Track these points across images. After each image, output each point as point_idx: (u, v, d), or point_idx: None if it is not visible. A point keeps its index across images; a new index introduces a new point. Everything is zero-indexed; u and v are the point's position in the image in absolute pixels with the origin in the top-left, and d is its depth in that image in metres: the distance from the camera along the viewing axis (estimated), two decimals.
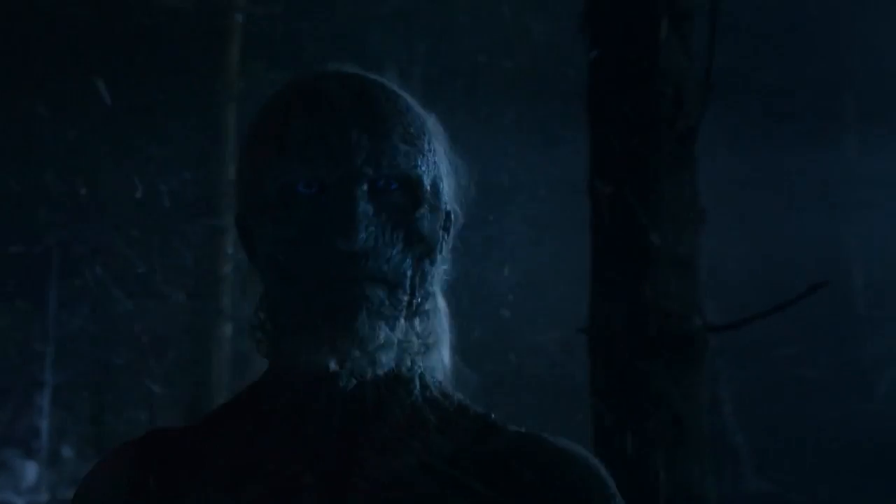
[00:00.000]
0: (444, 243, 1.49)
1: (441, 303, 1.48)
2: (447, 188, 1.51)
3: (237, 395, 1.54)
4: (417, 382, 1.46)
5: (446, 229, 1.51)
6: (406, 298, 1.42)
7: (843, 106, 13.75)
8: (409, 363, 1.44)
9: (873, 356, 12.93)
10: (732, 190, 11.70)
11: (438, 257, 1.47)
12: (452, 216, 1.52)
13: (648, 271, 3.14)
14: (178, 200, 11.04)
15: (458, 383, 1.48)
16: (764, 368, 11.51)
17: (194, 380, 10.39)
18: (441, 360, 1.47)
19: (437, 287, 1.47)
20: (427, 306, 1.44)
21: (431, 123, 1.50)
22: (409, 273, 1.43)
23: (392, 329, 1.40)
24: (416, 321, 1.43)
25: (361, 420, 1.44)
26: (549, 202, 10.03)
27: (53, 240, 11.71)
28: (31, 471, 12.77)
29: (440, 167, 1.49)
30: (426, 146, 1.47)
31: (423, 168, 1.46)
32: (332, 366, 1.40)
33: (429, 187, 1.46)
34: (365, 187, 1.41)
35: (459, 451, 1.46)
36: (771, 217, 12.53)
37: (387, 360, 1.40)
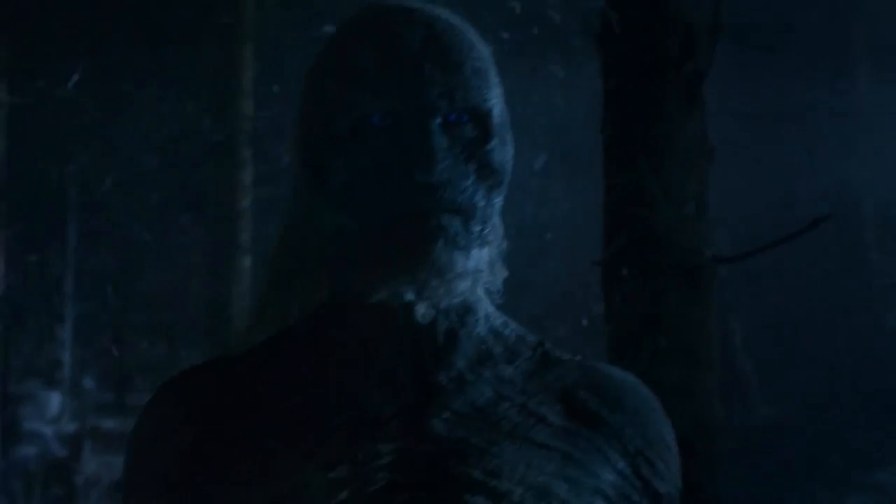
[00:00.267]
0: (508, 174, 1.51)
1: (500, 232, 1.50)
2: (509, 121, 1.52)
3: (293, 326, 1.53)
4: (484, 313, 1.48)
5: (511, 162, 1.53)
6: (478, 229, 1.43)
7: (854, 38, 13.78)
8: (478, 292, 1.47)
9: (882, 287, 13.07)
10: (744, 125, 11.81)
11: (503, 188, 1.48)
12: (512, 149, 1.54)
13: (659, 206, 3.30)
14: (196, 136, 11.16)
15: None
16: (774, 300, 11.67)
17: (214, 312, 10.55)
18: (499, 288, 1.49)
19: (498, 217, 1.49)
20: (493, 236, 1.46)
21: (491, 58, 1.51)
22: (481, 204, 1.44)
23: (467, 258, 1.41)
24: (486, 250, 1.45)
25: (434, 351, 1.45)
26: (567, 138, 10.17)
27: (74, 175, 11.85)
28: (54, 401, 13.02)
29: (503, 101, 1.51)
30: (493, 79, 1.49)
31: (493, 101, 1.47)
32: (410, 296, 1.41)
33: (497, 120, 1.48)
34: (439, 120, 1.43)
35: (527, 380, 1.47)
36: (783, 151, 12.62)
37: (463, 288, 1.42)
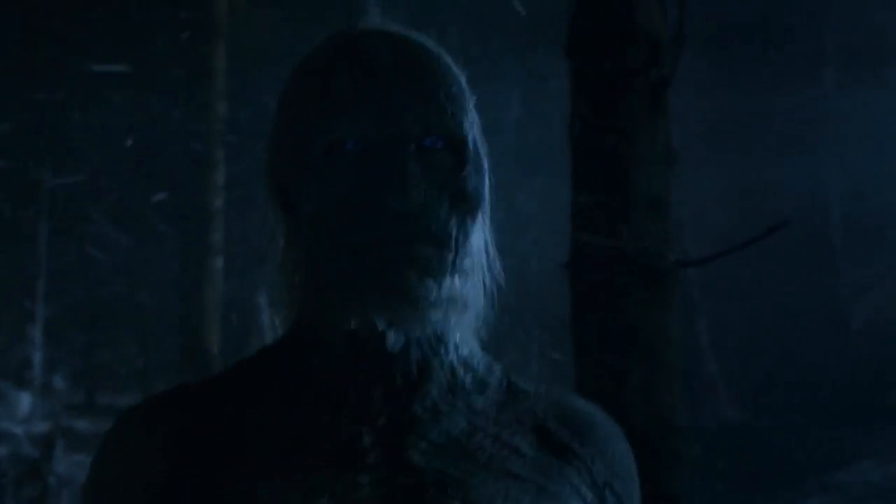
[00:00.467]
0: (485, 202, 1.48)
1: (482, 261, 1.47)
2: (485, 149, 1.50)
3: (261, 352, 1.50)
4: (454, 341, 1.46)
5: (486, 189, 1.50)
6: (451, 257, 1.41)
7: (822, 43, 13.92)
8: (450, 322, 1.43)
9: (848, 288, 13.21)
10: (713, 129, 11.92)
11: (479, 216, 1.46)
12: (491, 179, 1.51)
13: (624, 211, 3.39)
14: (169, 137, 11.20)
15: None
16: (742, 302, 11.79)
17: (186, 312, 10.58)
18: (474, 318, 1.46)
19: (475, 245, 1.46)
20: (466, 265, 1.43)
21: (466, 83, 1.49)
22: (454, 232, 1.42)
23: (440, 287, 1.39)
24: (457, 279, 1.42)
25: (407, 381, 1.43)
26: (537, 141, 10.26)
27: (46, 173, 11.87)
28: (24, 401, 13.02)
29: (478, 126, 1.48)
30: (468, 106, 1.46)
31: (467, 127, 1.45)
32: (381, 325, 1.39)
33: (472, 146, 1.45)
34: (413, 147, 1.40)
35: (499, 411, 1.46)
36: (752, 154, 12.74)
37: (435, 318, 1.40)
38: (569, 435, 1.45)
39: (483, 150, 1.48)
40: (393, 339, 1.40)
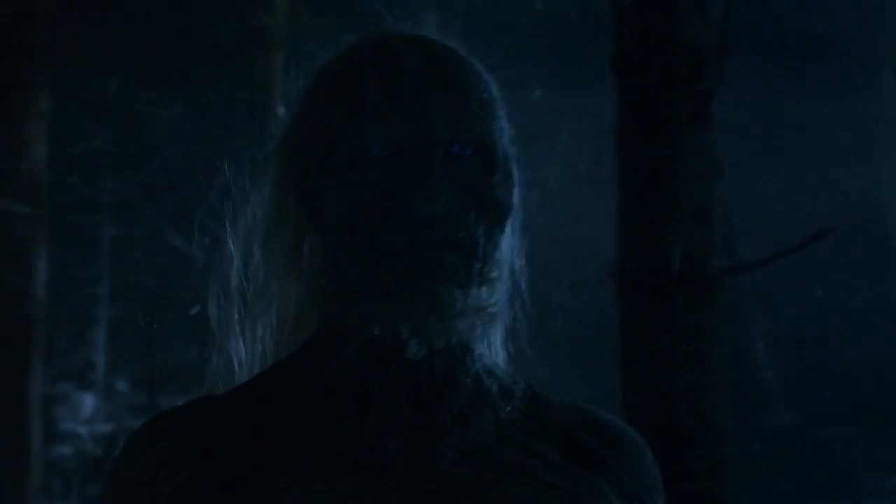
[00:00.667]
0: (514, 210, 1.45)
1: (509, 271, 1.46)
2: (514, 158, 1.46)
3: (282, 362, 1.47)
4: (479, 350, 1.43)
5: (517, 199, 1.47)
6: (479, 266, 1.38)
7: (876, 48, 13.89)
8: (476, 332, 1.41)
9: None
10: (771, 137, 11.95)
11: (508, 225, 1.43)
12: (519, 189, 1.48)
13: (670, 220, 3.48)
14: (228, 144, 11.36)
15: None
16: (799, 308, 11.80)
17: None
18: (500, 328, 1.46)
19: (504, 254, 1.44)
20: (494, 274, 1.41)
21: (497, 91, 1.46)
22: (481, 241, 1.39)
23: (466, 296, 1.37)
24: (484, 289, 1.40)
25: (433, 389, 1.40)
26: (582, 151, 10.36)
27: (108, 181, 12.09)
28: (88, 402, 13.25)
29: (508, 134, 1.45)
30: (498, 112, 1.44)
31: (498, 134, 1.42)
32: (405, 333, 1.36)
33: (501, 153, 1.42)
34: (441, 152, 1.37)
35: (527, 419, 1.44)
36: (810, 161, 12.74)
37: (462, 327, 1.37)
38: (598, 445, 1.43)
39: (513, 158, 1.45)
40: (416, 348, 1.37)
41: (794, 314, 11.72)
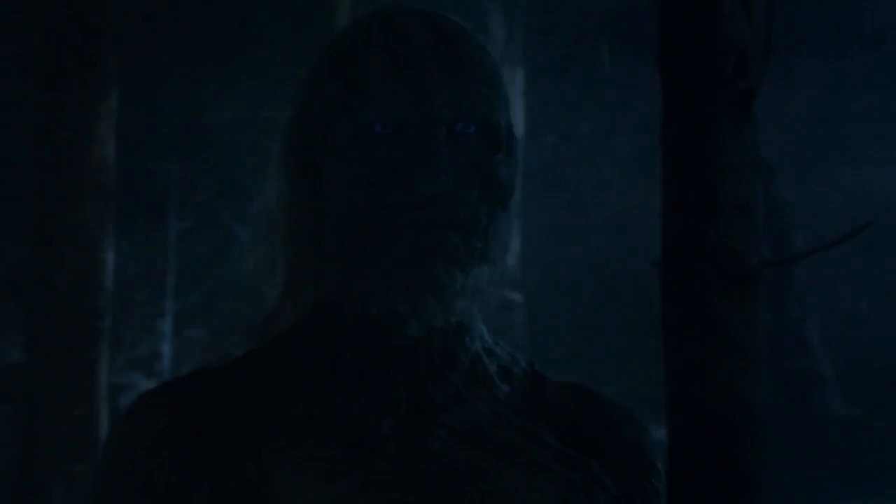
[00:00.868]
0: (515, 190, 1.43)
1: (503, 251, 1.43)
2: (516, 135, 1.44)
3: (281, 336, 1.45)
4: (478, 330, 1.42)
5: (517, 176, 1.45)
6: (480, 245, 1.36)
7: None
8: (475, 311, 1.40)
9: None
10: (832, 131, 11.99)
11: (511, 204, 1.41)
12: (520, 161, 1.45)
13: (712, 214, 3.59)
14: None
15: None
16: (856, 300, 11.82)
17: None
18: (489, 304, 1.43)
19: (504, 233, 1.42)
20: (495, 253, 1.39)
21: (499, 67, 1.44)
22: (483, 220, 1.37)
23: (466, 277, 1.34)
24: (486, 268, 1.37)
25: (430, 368, 1.38)
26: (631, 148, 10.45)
27: (175, 175, 12.31)
28: None
29: (510, 114, 1.43)
30: (502, 91, 1.42)
31: (502, 112, 1.40)
32: (404, 312, 1.34)
33: (505, 132, 1.40)
34: (443, 130, 1.35)
35: (525, 401, 1.42)
36: (869, 154, 12.73)
37: (461, 307, 1.36)
38: (595, 428, 1.43)
39: (515, 136, 1.43)
40: (414, 327, 1.35)
41: (852, 307, 11.74)
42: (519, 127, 12.38)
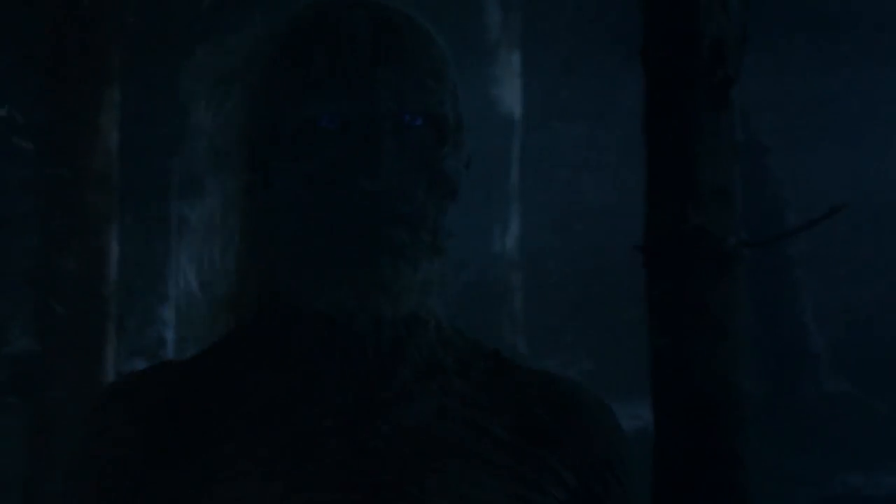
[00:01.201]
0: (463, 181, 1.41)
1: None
2: (465, 125, 1.42)
3: (231, 334, 1.45)
4: (433, 323, 1.40)
5: (467, 167, 1.44)
6: (428, 239, 1.35)
7: None
8: (428, 305, 1.38)
9: None
10: (822, 111, 12.13)
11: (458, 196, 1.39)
12: (470, 154, 1.44)
13: (692, 198, 3.76)
14: None
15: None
16: (846, 277, 11.98)
17: None
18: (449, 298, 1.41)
19: (454, 225, 1.41)
20: (446, 246, 1.38)
21: (449, 55, 1.41)
22: (432, 213, 1.36)
23: (414, 270, 1.33)
24: (436, 261, 1.36)
25: (379, 363, 1.36)
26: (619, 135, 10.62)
27: (177, 166, 12.47)
28: None
29: (460, 103, 1.41)
30: (450, 82, 1.39)
31: (448, 104, 1.38)
32: (350, 307, 1.33)
33: (453, 124, 1.38)
34: (389, 124, 1.33)
35: (477, 393, 1.39)
36: (863, 133, 12.86)
37: (408, 302, 1.34)
38: (553, 418, 1.40)
39: (464, 126, 1.42)
40: (363, 322, 1.35)
41: (844, 285, 11.91)
42: (516, 109, 12.53)
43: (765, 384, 10.46)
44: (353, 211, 1.33)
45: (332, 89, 1.34)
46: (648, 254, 3.89)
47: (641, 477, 1.49)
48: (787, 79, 11.62)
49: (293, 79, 1.36)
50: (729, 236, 3.77)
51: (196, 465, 1.34)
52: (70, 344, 6.28)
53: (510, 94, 12.47)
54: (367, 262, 1.32)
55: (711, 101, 3.79)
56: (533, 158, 12.57)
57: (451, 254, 1.40)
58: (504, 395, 1.41)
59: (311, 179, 1.35)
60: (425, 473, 1.32)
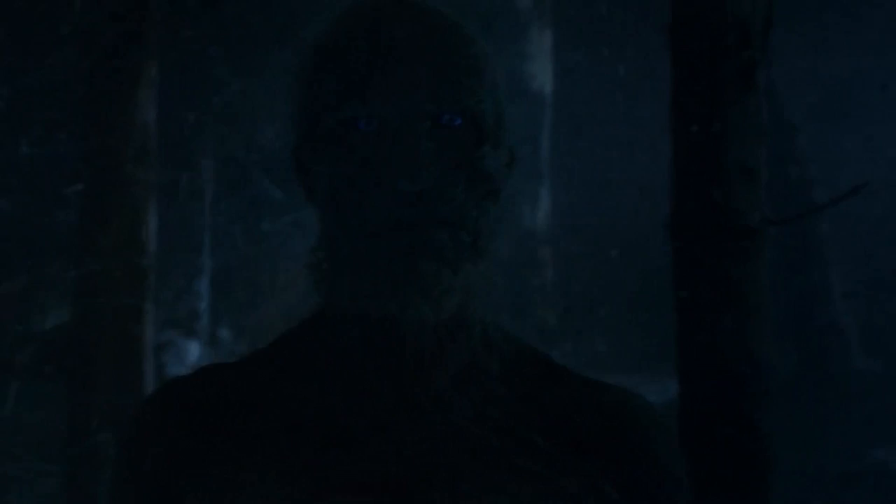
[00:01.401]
0: (506, 181, 1.41)
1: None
2: (507, 123, 1.41)
3: (288, 333, 1.46)
4: (478, 327, 1.38)
5: (508, 166, 1.43)
6: (469, 240, 1.33)
7: None
8: (471, 308, 1.36)
9: None
10: (852, 88, 12.15)
11: (500, 196, 1.38)
12: (513, 152, 1.43)
13: (718, 177, 3.86)
14: None
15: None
16: (875, 253, 12.01)
17: None
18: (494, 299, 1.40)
19: (497, 225, 1.39)
20: (490, 247, 1.37)
21: (490, 54, 1.40)
22: (472, 214, 1.34)
23: (455, 273, 1.32)
24: (479, 263, 1.35)
25: (419, 367, 1.35)
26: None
27: (211, 139, 12.59)
28: (193, 350, 13.82)
29: (501, 101, 1.40)
30: (489, 80, 1.38)
31: (487, 103, 1.36)
32: (393, 310, 1.32)
33: (493, 123, 1.37)
34: (427, 124, 1.32)
35: (521, 400, 1.38)
36: (891, 112, 12.87)
37: (450, 305, 1.32)
38: (600, 429, 1.38)
39: (504, 124, 1.41)
40: (405, 327, 1.34)
41: (873, 260, 11.95)
42: (547, 87, 12.60)
43: (795, 361, 10.52)
44: (391, 213, 1.32)
45: (370, 90, 1.33)
46: (674, 230, 3.98)
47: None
48: (817, 57, 11.64)
49: (330, 80, 1.35)
50: (753, 213, 3.86)
51: (227, 467, 1.35)
52: (109, 315, 6.40)
53: (541, 70, 12.54)
54: (408, 265, 1.31)
55: (738, 83, 3.88)
56: (564, 134, 12.64)
57: (496, 255, 1.39)
58: (548, 403, 1.38)
59: (349, 182, 1.34)
60: (456, 480, 1.31)
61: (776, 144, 10.13)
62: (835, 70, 12.39)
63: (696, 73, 3.91)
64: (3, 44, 8.01)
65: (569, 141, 12.69)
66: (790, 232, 9.61)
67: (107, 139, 6.32)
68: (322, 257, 1.39)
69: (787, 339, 10.12)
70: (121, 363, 6.33)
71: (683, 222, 3.92)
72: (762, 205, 3.90)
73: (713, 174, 3.86)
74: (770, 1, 3.91)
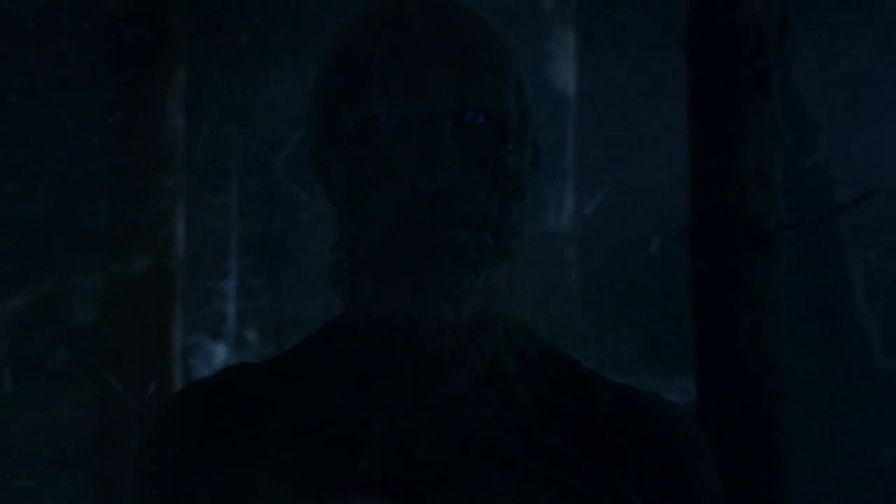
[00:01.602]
0: (531, 180, 1.37)
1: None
2: (532, 121, 1.37)
3: (313, 334, 1.44)
4: (500, 328, 1.34)
5: (533, 165, 1.39)
6: (492, 240, 1.30)
7: None
8: (493, 308, 1.32)
9: None
10: (868, 88, 12.18)
11: (525, 195, 1.34)
12: (538, 150, 1.40)
13: (734, 181, 3.93)
14: None
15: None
16: None
17: None
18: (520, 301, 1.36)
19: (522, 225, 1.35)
20: (514, 247, 1.33)
21: (512, 50, 1.36)
22: (494, 214, 1.30)
23: (476, 274, 1.28)
24: (503, 263, 1.32)
25: (439, 368, 1.32)
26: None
27: (238, 141, 12.70)
28: (220, 352, 13.95)
29: (526, 99, 1.36)
30: (513, 77, 1.34)
31: (511, 100, 1.33)
32: (413, 312, 1.29)
33: (516, 121, 1.33)
34: (449, 123, 1.29)
35: (542, 402, 1.34)
36: None
37: (470, 306, 1.29)
38: (623, 433, 1.34)
39: (530, 122, 1.37)
40: (425, 328, 1.30)
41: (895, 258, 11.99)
42: (571, 87, 12.67)
43: (816, 361, 10.56)
44: (411, 212, 1.29)
45: (390, 88, 1.29)
46: (692, 233, 4.06)
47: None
48: (838, 57, 11.68)
49: (350, 77, 1.32)
50: (769, 217, 3.94)
51: (244, 468, 1.33)
52: (137, 321, 6.50)
53: (565, 71, 12.61)
54: (427, 266, 1.28)
55: (753, 88, 3.95)
56: (588, 135, 12.71)
57: (520, 255, 1.35)
58: (572, 406, 1.35)
59: (368, 181, 1.32)
60: (470, 484, 1.28)
61: (797, 144, 10.19)
62: (857, 68, 12.43)
63: (712, 78, 3.99)
64: (29, 47, 8.14)
65: (592, 141, 12.76)
66: (810, 232, 9.65)
67: (136, 145, 6.42)
68: (341, 257, 1.37)
69: (808, 339, 10.17)
70: (149, 366, 6.42)
71: (700, 225, 4.00)
72: (778, 208, 3.97)
73: (729, 178, 3.93)
74: (785, 7, 3.98)
